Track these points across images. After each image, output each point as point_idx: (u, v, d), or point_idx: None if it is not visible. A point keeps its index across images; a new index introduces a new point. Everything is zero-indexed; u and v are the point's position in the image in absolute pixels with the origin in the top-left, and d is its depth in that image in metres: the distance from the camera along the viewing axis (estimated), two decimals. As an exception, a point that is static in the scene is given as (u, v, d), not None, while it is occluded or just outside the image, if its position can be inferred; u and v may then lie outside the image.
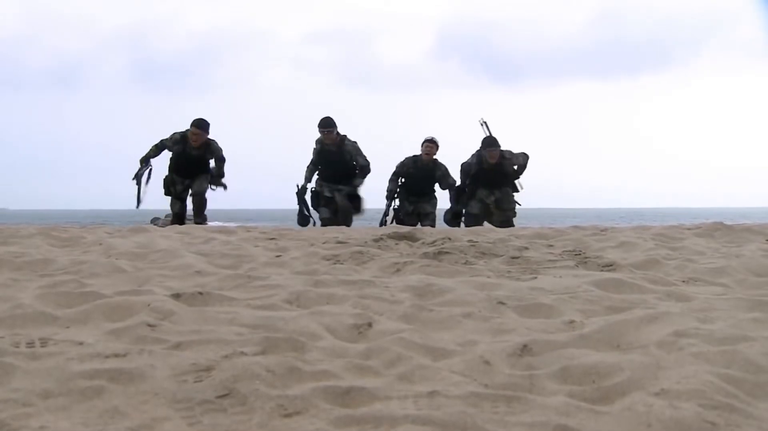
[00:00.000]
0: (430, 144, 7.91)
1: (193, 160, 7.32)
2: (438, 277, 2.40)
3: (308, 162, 7.82)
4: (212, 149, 7.43)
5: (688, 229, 4.00)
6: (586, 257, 2.87)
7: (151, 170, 7.29)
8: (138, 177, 7.23)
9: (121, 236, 3.78)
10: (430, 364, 1.45)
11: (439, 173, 7.96)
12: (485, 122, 7.70)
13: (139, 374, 1.33)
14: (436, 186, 8.06)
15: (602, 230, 3.96)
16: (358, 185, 7.73)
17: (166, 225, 6.01)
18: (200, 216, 7.44)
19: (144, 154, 7.30)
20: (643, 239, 3.50)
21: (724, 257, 2.89)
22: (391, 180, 8.08)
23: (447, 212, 7.98)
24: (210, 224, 7.20)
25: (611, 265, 2.68)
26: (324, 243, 3.38)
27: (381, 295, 2.09)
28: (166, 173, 7.38)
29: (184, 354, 1.48)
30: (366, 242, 3.32)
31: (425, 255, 2.85)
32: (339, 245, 3.29)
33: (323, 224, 7.27)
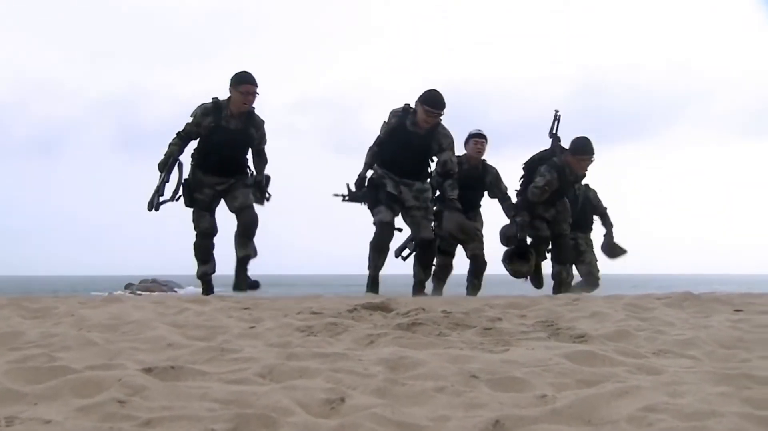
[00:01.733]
0: (480, 140, 6.12)
1: (233, 142, 5.16)
2: (411, 349, 2.41)
3: (371, 143, 5.60)
4: (257, 124, 5.25)
5: (658, 299, 4.04)
6: (558, 329, 2.90)
7: (180, 165, 5.15)
8: (156, 194, 5.11)
9: (94, 307, 3.74)
10: (401, 441, 1.46)
11: (490, 179, 6.20)
12: (559, 116, 6.09)
13: (107, 454, 1.32)
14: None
15: (574, 300, 4.00)
16: (450, 194, 5.42)
17: (145, 291, 5.80)
18: (248, 246, 5.25)
19: (163, 156, 5.16)
20: (614, 309, 3.54)
21: (693, 329, 2.93)
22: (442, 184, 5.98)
23: (504, 231, 6.15)
24: (183, 291, 6.93)
25: (583, 336, 2.71)
26: (298, 314, 3.38)
27: (354, 368, 2.09)
28: (186, 174, 5.22)
29: (154, 432, 1.47)
30: (340, 312, 3.33)
31: (399, 326, 2.86)
32: (313, 315, 3.29)
33: (378, 232, 5.31)
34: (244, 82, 5.11)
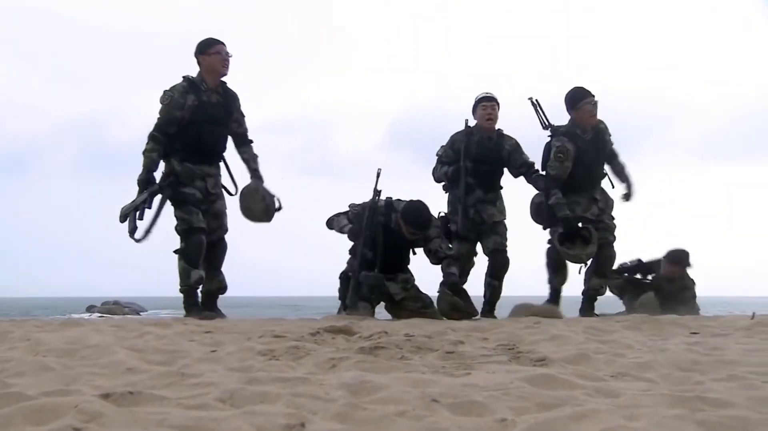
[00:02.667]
0: (489, 103, 5.30)
1: (218, 119, 4.76)
2: (373, 373, 2.41)
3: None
4: (233, 95, 4.86)
5: (617, 321, 4.11)
6: (519, 352, 2.92)
7: (157, 193, 4.64)
8: (134, 212, 4.59)
9: (51, 331, 3.67)
10: (361, 467, 1.46)
11: (509, 149, 5.34)
12: (537, 102, 5.37)
13: (61, 483, 1.30)
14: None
15: (536, 323, 4.05)
16: (446, 271, 4.95)
17: (107, 314, 5.59)
18: (218, 277, 4.94)
19: (143, 169, 4.63)
20: (575, 332, 3.59)
21: (651, 352, 2.98)
22: (435, 170, 5.45)
23: (536, 200, 5.33)
24: (146, 314, 6.75)
25: (543, 359, 2.74)
26: (260, 337, 3.36)
27: (315, 393, 2.08)
28: (169, 172, 4.74)
29: (110, 459, 1.45)
30: (303, 336, 3.31)
31: (361, 350, 2.86)
32: (275, 339, 3.27)
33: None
34: (214, 44, 4.76)
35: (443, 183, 5.46)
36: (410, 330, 3.52)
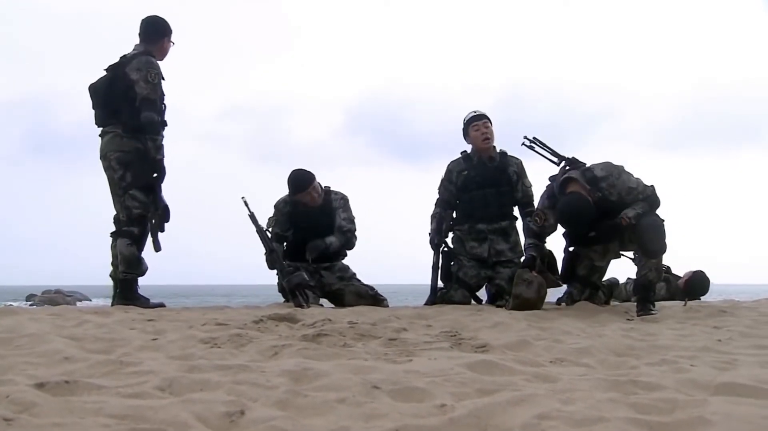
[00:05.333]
0: (481, 121, 4.84)
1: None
2: (315, 360, 2.41)
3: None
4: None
5: (557, 309, 4.19)
6: (461, 339, 2.96)
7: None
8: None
9: (-15, 319, 3.57)
10: (299, 453, 1.46)
11: (514, 170, 4.88)
12: (534, 140, 4.47)
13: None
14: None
15: (478, 311, 4.10)
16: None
17: (48, 303, 5.39)
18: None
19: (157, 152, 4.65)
20: (516, 319, 3.65)
21: (589, 338, 3.06)
22: (433, 215, 5.00)
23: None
24: (85, 304, 6.52)
25: (484, 346, 2.78)
26: (203, 325, 3.32)
27: (256, 380, 2.07)
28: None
29: (43, 449, 1.42)
30: (246, 323, 3.29)
31: (304, 338, 2.86)
32: (218, 327, 3.24)
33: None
34: (171, 33, 4.80)
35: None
36: (354, 317, 3.54)
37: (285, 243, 5.07)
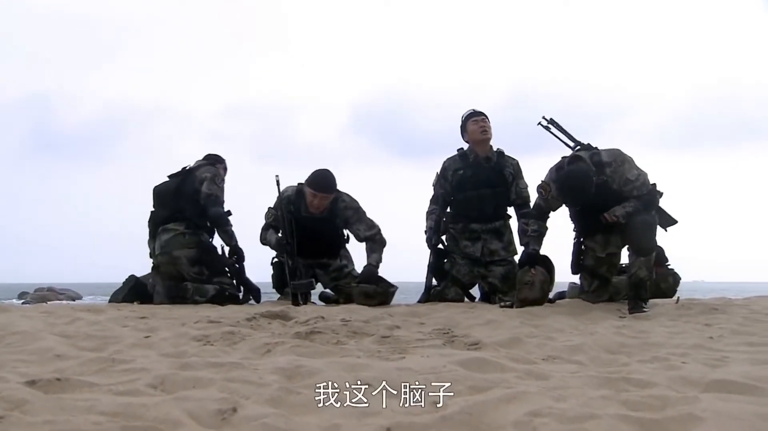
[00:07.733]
0: (480, 116, 4.85)
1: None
2: (308, 358, 2.41)
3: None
4: None
5: (550, 306, 4.20)
6: (454, 336, 2.97)
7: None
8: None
9: (-24, 317, 3.56)
10: (291, 450, 1.46)
11: (510, 171, 4.87)
12: (551, 121, 4.48)
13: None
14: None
15: (471, 308, 4.10)
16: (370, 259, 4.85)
17: (40, 301, 5.50)
18: None
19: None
20: (509, 317, 3.65)
21: (581, 335, 3.07)
22: (429, 213, 4.96)
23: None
24: (79, 301, 6.57)
25: (477, 343, 2.78)
26: (196, 323, 3.32)
27: (249, 378, 2.07)
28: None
29: (34, 447, 1.42)
30: (239, 321, 3.29)
31: (297, 335, 2.86)
32: (211, 324, 3.24)
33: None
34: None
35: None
36: (347, 315, 3.54)
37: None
